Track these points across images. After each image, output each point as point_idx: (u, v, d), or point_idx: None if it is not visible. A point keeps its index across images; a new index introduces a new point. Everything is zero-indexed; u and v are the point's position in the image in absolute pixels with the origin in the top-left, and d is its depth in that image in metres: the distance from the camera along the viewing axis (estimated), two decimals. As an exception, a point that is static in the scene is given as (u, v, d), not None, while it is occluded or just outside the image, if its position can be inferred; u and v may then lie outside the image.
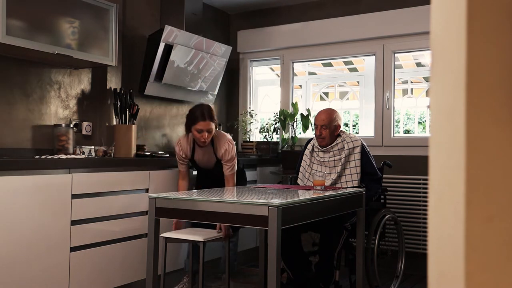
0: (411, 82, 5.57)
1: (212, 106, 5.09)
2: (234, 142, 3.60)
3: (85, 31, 3.43)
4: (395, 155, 4.41)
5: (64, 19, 3.30)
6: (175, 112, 4.69)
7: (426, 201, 4.22)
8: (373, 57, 4.69)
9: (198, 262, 3.08)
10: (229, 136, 3.58)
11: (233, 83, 5.36)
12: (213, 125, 3.40)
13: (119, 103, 3.83)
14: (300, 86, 5.44)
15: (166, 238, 3.07)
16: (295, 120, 4.89)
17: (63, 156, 3.20)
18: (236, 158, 3.56)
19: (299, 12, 5.00)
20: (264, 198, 2.62)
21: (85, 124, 3.81)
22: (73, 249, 3.00)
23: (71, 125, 3.64)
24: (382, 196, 3.78)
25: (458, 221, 0.61)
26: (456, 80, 0.62)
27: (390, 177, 4.36)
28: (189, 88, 4.55)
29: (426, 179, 4.16)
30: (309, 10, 4.95)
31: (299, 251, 3.50)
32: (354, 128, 5.91)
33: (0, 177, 2.62)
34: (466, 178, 0.61)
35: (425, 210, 4.25)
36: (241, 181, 3.74)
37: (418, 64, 5.42)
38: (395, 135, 4.58)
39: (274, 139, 5.02)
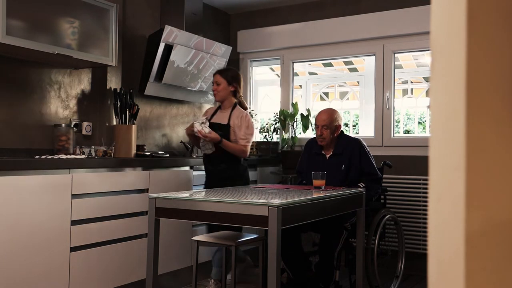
0: (411, 82, 5.57)
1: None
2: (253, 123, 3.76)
3: (85, 31, 3.43)
4: (395, 155, 4.40)
5: (64, 19, 3.30)
6: (175, 112, 4.69)
7: (426, 201, 4.22)
8: (373, 57, 4.68)
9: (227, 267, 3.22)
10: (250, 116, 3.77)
11: (233, 83, 5.35)
12: (222, 80, 3.65)
13: (119, 103, 3.83)
14: (300, 86, 5.43)
15: (198, 241, 2.90)
16: (295, 120, 4.89)
17: (63, 156, 3.20)
18: (252, 135, 3.65)
19: (299, 12, 5.00)
20: (264, 198, 2.62)
21: (85, 124, 3.81)
22: (73, 249, 3.00)
23: (71, 125, 3.64)
24: (382, 196, 3.78)
25: (458, 221, 0.61)
26: (456, 80, 0.62)
27: (390, 177, 4.35)
28: (189, 88, 4.55)
29: (426, 179, 4.16)
30: (309, 10, 4.94)
31: (299, 251, 3.50)
32: (354, 128, 5.91)
33: (0, 177, 2.62)
34: (466, 178, 0.61)
35: (425, 210, 4.24)
36: (240, 180, 3.64)
37: (418, 64, 5.42)
38: (395, 135, 4.58)
39: (274, 139, 5.01)
